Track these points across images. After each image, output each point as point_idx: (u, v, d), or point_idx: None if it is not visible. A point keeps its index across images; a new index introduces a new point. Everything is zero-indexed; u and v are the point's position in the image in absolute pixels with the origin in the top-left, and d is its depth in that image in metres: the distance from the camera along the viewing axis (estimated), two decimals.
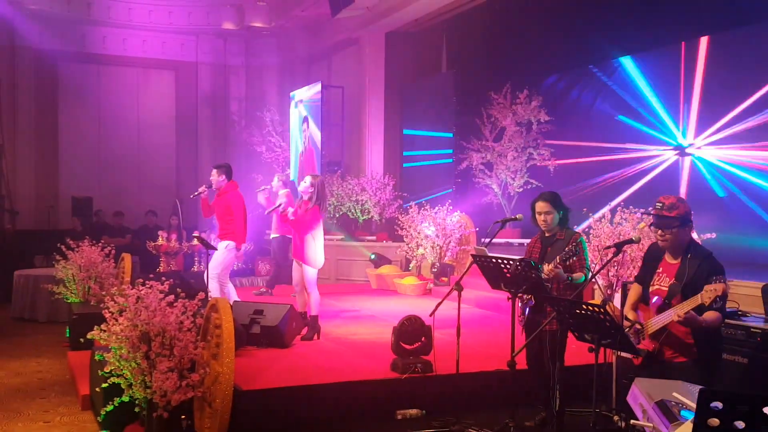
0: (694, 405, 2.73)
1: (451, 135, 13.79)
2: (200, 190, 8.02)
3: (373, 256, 11.79)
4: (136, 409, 4.87)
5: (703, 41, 10.54)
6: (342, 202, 13.42)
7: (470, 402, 5.48)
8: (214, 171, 7.98)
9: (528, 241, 5.39)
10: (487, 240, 5.49)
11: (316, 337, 7.12)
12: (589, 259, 5.06)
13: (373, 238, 13.02)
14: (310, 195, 7.08)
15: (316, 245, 7.15)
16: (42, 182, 15.56)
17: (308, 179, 7.16)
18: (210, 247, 7.68)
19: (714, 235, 6.95)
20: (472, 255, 5.20)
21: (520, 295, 4.74)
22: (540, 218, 4.88)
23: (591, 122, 12.41)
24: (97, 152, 16.21)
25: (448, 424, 5.12)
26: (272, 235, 10.54)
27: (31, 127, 15.51)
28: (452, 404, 5.39)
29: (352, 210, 13.38)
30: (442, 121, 13.94)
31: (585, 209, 7.47)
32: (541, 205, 4.88)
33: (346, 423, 5.23)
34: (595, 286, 7.36)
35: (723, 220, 9.55)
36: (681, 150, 10.97)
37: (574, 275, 4.73)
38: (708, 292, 3.64)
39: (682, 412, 2.99)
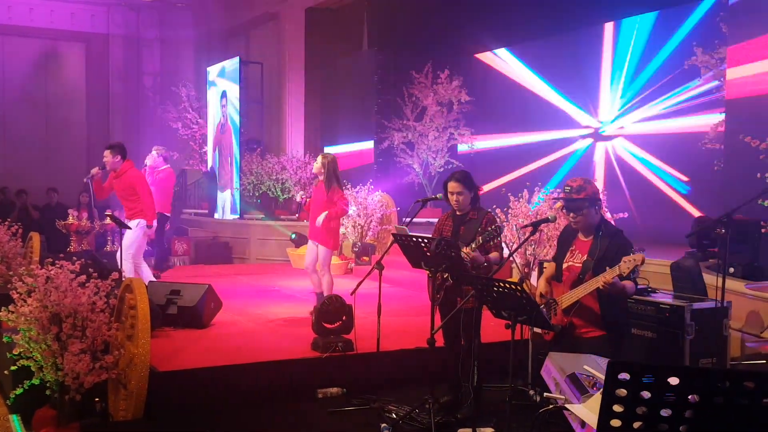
0: (603, 377, 2.86)
1: (372, 116, 13.78)
2: (93, 172, 7.73)
3: (293, 236, 11.70)
4: (48, 392, 4.72)
5: (609, 26, 10.93)
6: (262, 180, 13.25)
7: (391, 380, 5.54)
8: (107, 152, 7.66)
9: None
10: (408, 219, 5.54)
11: None
12: (507, 237, 5.17)
13: (294, 217, 12.92)
14: (325, 175, 6.89)
15: (334, 227, 7.01)
16: None
17: (319, 159, 6.99)
18: (123, 226, 7.44)
19: (626, 215, 7.25)
20: (392, 234, 5.24)
21: (438, 274, 4.80)
22: (453, 198, 4.91)
23: (512, 104, 12.67)
24: (1, 127, 15.40)
25: (368, 401, 5.16)
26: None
27: None
28: (373, 382, 5.43)
29: (272, 189, 13.23)
30: (364, 100, 13.93)
31: (503, 189, 7.63)
32: (453, 185, 4.91)
33: (267, 403, 5.19)
34: (513, 265, 7.55)
35: (635, 200, 9.98)
36: (596, 132, 11.35)
37: (491, 255, 4.81)
38: (626, 263, 3.79)
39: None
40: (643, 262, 3.78)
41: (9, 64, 15.47)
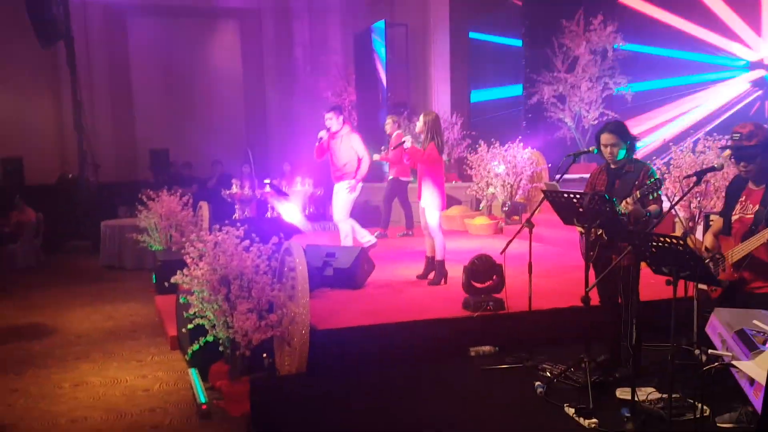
0: None
1: (521, 70, 13.42)
2: (321, 135, 7.92)
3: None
4: (221, 348, 5.09)
5: None
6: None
7: (544, 338, 5.47)
8: (331, 113, 7.92)
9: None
10: (559, 176, 5.38)
11: (443, 282, 6.83)
12: (669, 190, 4.86)
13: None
14: (425, 134, 6.78)
15: (435, 187, 6.77)
16: (120, 136, 16.03)
17: (421, 118, 6.88)
18: (282, 194, 7.81)
19: None
20: (542, 191, 5.11)
21: (592, 230, 4.63)
22: (606, 150, 4.68)
23: (671, 45, 11.84)
24: (168, 104, 16.51)
25: (522, 359, 5.14)
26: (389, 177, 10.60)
27: (106, 82, 15.92)
28: (525, 341, 5.38)
29: None
30: (512, 54, 13.58)
31: (665, 139, 7.20)
32: (606, 137, 4.67)
33: (420, 360, 5.31)
34: (676, 219, 7.15)
35: None
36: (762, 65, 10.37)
37: (650, 208, 4.57)
38: None
39: None
40: None
41: (172, 43, 16.48)
